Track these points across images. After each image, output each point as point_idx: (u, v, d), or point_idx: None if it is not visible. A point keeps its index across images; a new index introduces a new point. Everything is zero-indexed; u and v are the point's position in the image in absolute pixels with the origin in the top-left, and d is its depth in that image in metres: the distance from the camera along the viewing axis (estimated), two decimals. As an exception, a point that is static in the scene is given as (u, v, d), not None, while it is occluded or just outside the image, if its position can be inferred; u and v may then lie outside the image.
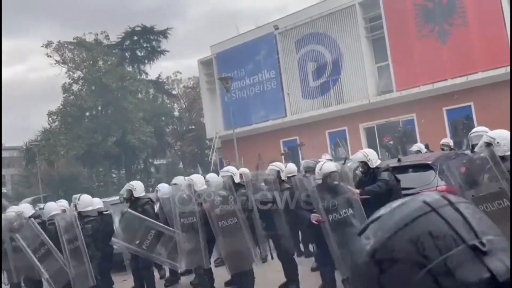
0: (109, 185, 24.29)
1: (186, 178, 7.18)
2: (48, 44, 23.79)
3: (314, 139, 21.02)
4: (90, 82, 23.02)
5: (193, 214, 5.95)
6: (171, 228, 6.28)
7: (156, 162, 31.11)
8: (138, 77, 25.59)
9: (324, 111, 21.52)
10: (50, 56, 24.00)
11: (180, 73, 33.76)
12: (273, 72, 23.39)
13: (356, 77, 20.63)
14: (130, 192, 6.77)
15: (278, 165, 6.72)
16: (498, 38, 16.79)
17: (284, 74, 22.76)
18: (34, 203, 19.96)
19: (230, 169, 6.37)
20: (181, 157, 31.12)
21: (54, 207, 6.95)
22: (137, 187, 6.90)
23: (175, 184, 7.65)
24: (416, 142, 15.36)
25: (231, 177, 5.97)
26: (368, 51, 20.57)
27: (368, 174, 5.36)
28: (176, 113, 28.43)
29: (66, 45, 23.66)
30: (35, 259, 6.20)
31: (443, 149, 9.59)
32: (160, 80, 27.82)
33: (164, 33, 25.94)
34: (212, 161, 25.38)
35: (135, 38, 26.34)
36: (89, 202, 6.86)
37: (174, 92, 30.78)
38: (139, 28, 25.45)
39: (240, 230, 5.47)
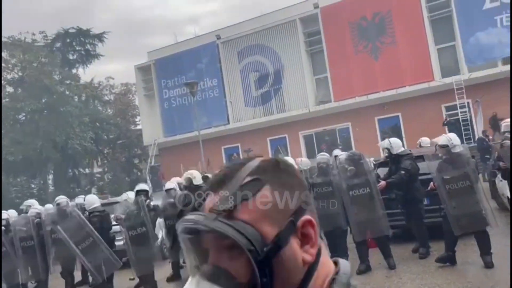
0: (26, 196, 22.64)
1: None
2: None
3: (255, 145, 21.74)
4: (29, 84, 21.43)
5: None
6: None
7: (85, 171, 29.70)
8: (80, 81, 24.42)
9: (266, 119, 22.44)
10: None
11: (113, 78, 32.81)
12: (215, 80, 23.83)
13: (297, 87, 21.89)
14: None
15: (191, 173, 7.39)
16: (423, 57, 19.02)
17: (227, 83, 23.31)
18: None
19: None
20: (111, 165, 30.06)
21: (96, 200, 7.66)
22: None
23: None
24: (351, 148, 16.75)
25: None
26: (307, 63, 21.97)
27: (391, 158, 6.49)
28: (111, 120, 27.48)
29: None
30: (77, 251, 6.53)
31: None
32: (92, 85, 26.76)
33: (100, 37, 25.10)
34: (148, 169, 25.03)
35: (68, 40, 25.11)
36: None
37: (106, 98, 29.77)
38: (73, 30, 24.38)
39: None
